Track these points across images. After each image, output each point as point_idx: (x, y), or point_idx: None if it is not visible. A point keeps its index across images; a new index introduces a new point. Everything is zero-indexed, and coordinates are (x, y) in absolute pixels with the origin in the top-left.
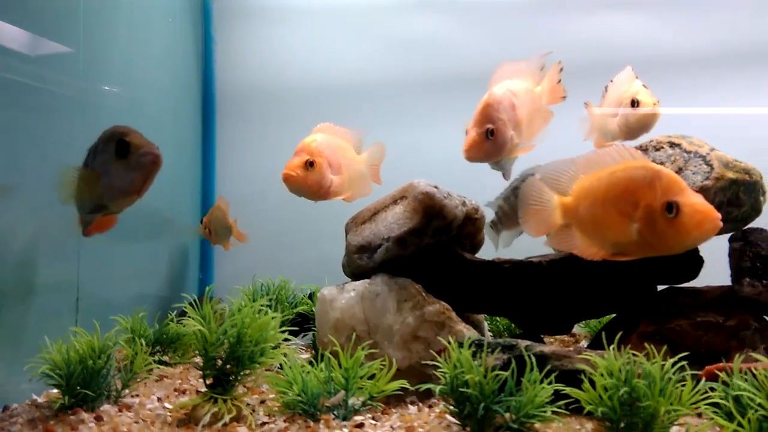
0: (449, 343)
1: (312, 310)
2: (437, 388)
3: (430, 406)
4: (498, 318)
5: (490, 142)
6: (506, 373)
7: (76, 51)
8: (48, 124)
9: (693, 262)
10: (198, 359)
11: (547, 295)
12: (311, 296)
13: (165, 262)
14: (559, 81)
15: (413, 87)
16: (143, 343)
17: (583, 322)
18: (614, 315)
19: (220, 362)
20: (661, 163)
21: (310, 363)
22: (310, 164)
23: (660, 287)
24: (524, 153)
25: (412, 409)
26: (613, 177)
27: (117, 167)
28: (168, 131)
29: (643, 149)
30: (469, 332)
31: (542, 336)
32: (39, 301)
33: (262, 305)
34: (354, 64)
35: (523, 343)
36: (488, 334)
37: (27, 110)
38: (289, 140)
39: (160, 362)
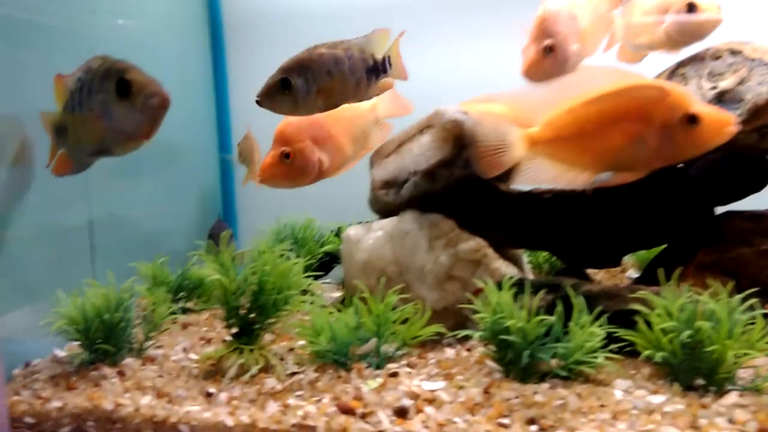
0: (486, 282)
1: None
2: (476, 334)
3: (468, 350)
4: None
5: (550, 59)
6: (552, 318)
7: None
8: (40, 59)
9: (761, 169)
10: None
11: (593, 227)
12: (338, 233)
13: (184, 201)
14: None
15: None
16: (164, 290)
17: None
18: (665, 245)
19: (243, 311)
20: (720, 74)
21: (341, 303)
22: (285, 156)
23: (719, 209)
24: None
25: (450, 352)
26: (612, 100)
27: (119, 109)
28: (174, 64)
29: (700, 58)
30: (507, 269)
31: (585, 270)
32: (52, 250)
33: (283, 249)
34: None
35: (568, 282)
36: (528, 269)
37: (18, 45)
38: None
39: (184, 310)
